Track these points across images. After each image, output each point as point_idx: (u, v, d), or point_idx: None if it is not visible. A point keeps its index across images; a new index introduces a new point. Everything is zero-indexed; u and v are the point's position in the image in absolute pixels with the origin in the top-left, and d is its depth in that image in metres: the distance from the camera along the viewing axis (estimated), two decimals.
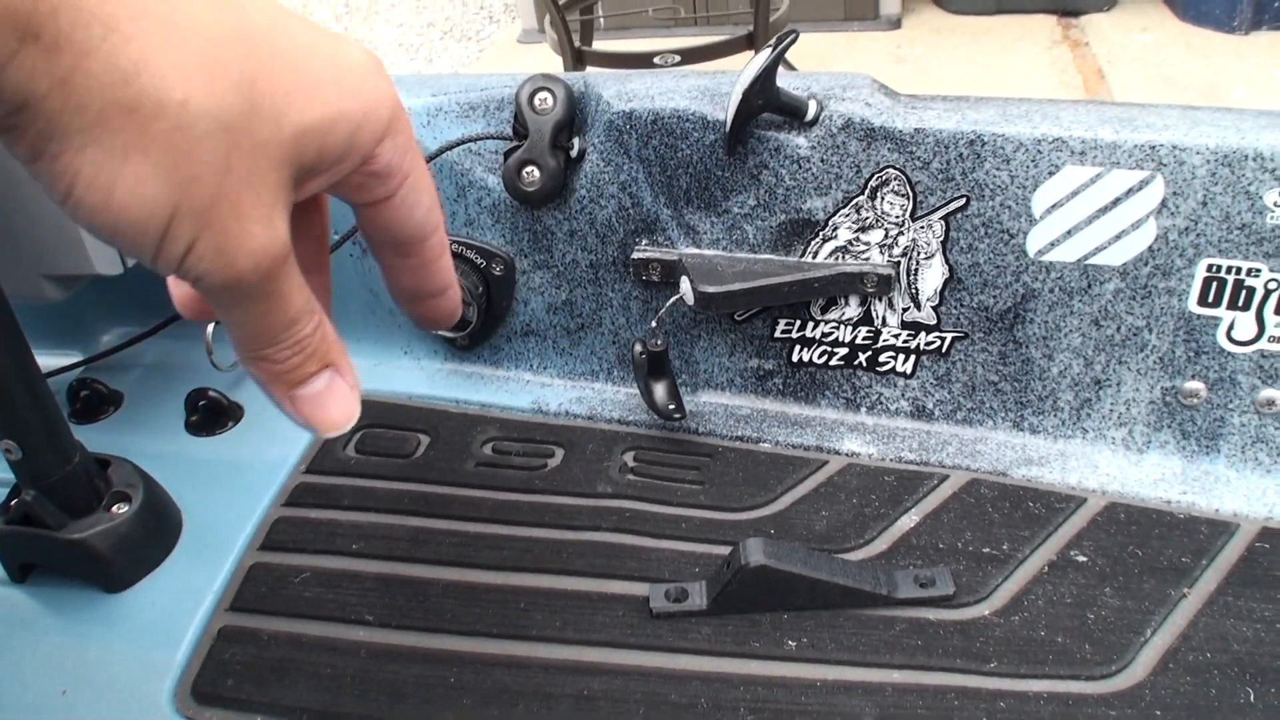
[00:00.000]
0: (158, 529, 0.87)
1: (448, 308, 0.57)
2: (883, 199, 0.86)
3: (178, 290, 0.53)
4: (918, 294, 0.89)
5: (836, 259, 0.90)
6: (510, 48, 5.46)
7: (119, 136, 0.38)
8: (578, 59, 3.29)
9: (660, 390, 0.93)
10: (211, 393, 1.01)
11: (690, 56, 3.19)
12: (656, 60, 3.16)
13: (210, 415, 1.01)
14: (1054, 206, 0.83)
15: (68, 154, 0.38)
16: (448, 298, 0.57)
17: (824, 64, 4.57)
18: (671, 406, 0.93)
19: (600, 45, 3.62)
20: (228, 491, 0.92)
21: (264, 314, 0.45)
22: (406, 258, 0.54)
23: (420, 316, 0.58)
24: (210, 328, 1.03)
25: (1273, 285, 0.82)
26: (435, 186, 0.52)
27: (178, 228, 0.40)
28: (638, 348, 0.92)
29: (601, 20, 4.42)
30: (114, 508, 0.85)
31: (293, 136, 0.42)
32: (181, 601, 0.83)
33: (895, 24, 5.06)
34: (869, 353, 0.93)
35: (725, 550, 0.82)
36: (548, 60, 3.55)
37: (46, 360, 0.99)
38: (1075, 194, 0.82)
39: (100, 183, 0.38)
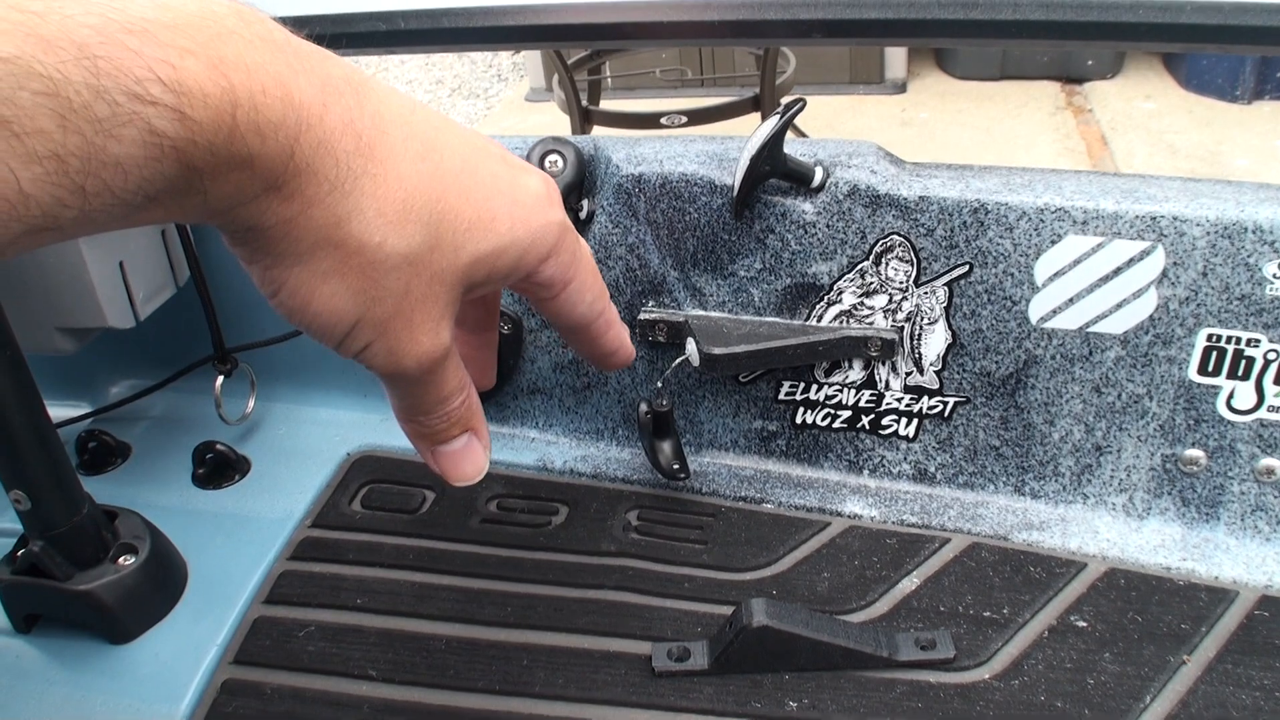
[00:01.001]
0: (163, 581, 0.87)
1: (617, 363, 0.68)
2: (887, 265, 0.88)
3: None
4: (921, 358, 0.90)
5: (841, 323, 0.91)
6: (518, 106, 5.50)
7: (323, 263, 0.47)
8: (585, 118, 3.32)
9: (665, 450, 0.94)
10: (219, 446, 1.01)
11: (697, 118, 3.22)
12: (663, 120, 3.19)
13: (217, 468, 1.01)
14: (1056, 275, 0.84)
15: (279, 269, 0.47)
16: (618, 357, 0.68)
17: (830, 126, 4.61)
18: (676, 466, 0.93)
19: (607, 105, 3.65)
20: (234, 544, 0.93)
21: (421, 394, 0.56)
22: (574, 335, 0.64)
23: (597, 367, 0.72)
24: (219, 381, 1.04)
25: (1272, 355, 0.82)
26: (599, 283, 0.62)
27: (358, 333, 0.50)
28: (643, 408, 0.93)
29: (609, 80, 4.45)
30: (120, 559, 0.85)
31: (468, 263, 0.52)
32: (186, 654, 0.83)
33: (901, 88, 5.10)
34: (872, 416, 0.94)
35: (728, 610, 0.82)
36: (555, 118, 3.58)
37: (56, 411, 1.00)
38: (1077, 263, 0.83)
39: (301, 294, 0.48)
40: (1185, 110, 4.63)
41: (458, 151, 0.52)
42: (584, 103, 3.34)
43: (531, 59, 5.43)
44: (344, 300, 0.48)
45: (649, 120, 3.24)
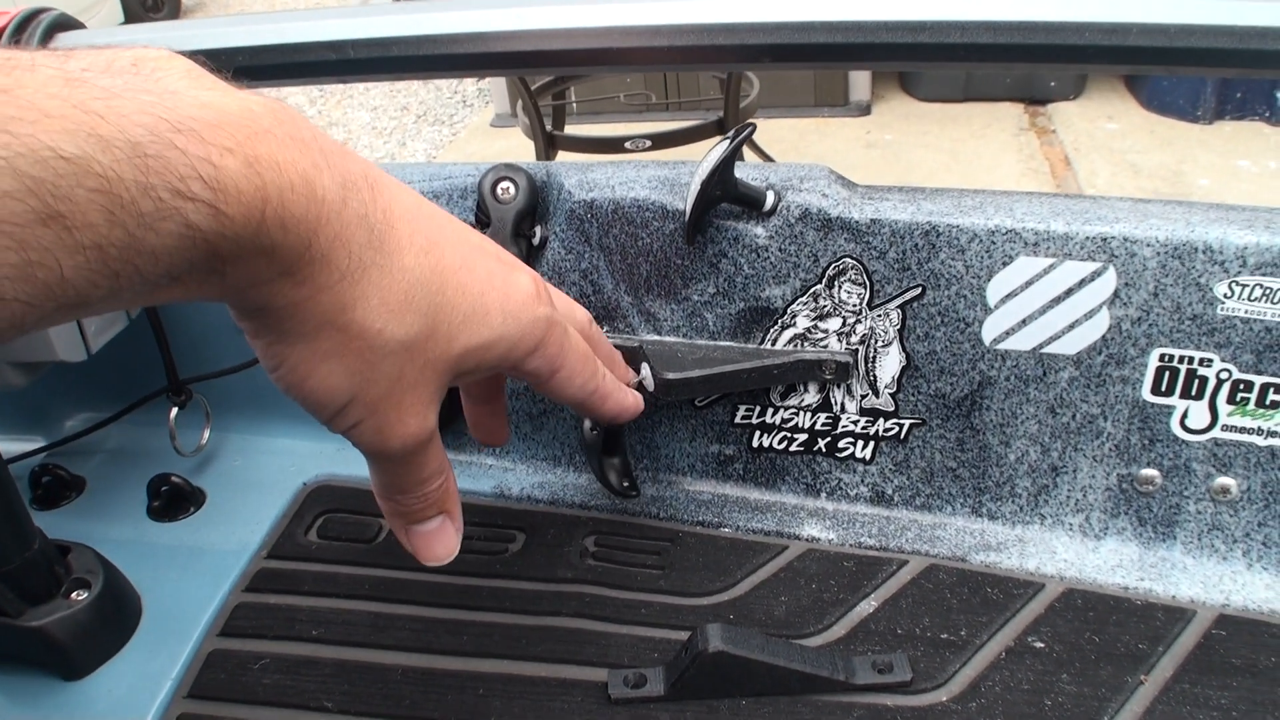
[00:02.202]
0: (117, 616, 0.87)
1: (623, 421, 0.77)
2: (840, 288, 0.88)
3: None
4: (876, 381, 0.90)
5: (795, 346, 0.91)
6: (483, 132, 5.51)
7: (325, 344, 0.51)
8: (550, 143, 3.32)
9: (614, 467, 0.94)
10: (174, 478, 1.01)
11: (661, 141, 3.22)
12: (628, 145, 3.19)
13: (172, 501, 1.00)
14: (1008, 296, 0.85)
15: (282, 345, 0.51)
16: (621, 418, 0.76)
17: (795, 149, 4.62)
18: (625, 484, 0.93)
19: (572, 130, 3.66)
20: (189, 577, 0.92)
21: (403, 474, 0.60)
22: (575, 409, 0.72)
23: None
24: (174, 412, 1.03)
25: (1224, 375, 0.83)
26: (589, 366, 0.68)
27: (350, 411, 0.54)
28: (587, 424, 0.93)
29: (574, 105, 4.46)
30: (73, 594, 0.84)
31: (460, 353, 0.56)
32: (140, 689, 0.82)
33: (865, 110, 5.13)
34: (828, 439, 0.94)
35: (684, 635, 0.82)
36: (520, 144, 3.58)
37: (8, 445, 0.99)
38: (1029, 284, 0.84)
39: (300, 371, 0.52)
40: (1147, 130, 4.67)
41: (458, 249, 0.56)
42: (549, 128, 3.34)
43: (496, 85, 5.44)
44: (340, 380, 0.52)
45: (613, 145, 3.24)
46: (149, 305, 0.45)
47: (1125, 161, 4.39)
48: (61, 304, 0.40)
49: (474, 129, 5.62)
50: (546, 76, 3.44)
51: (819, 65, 0.86)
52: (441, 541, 0.65)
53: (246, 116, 0.44)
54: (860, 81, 5.14)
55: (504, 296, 0.58)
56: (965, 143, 4.72)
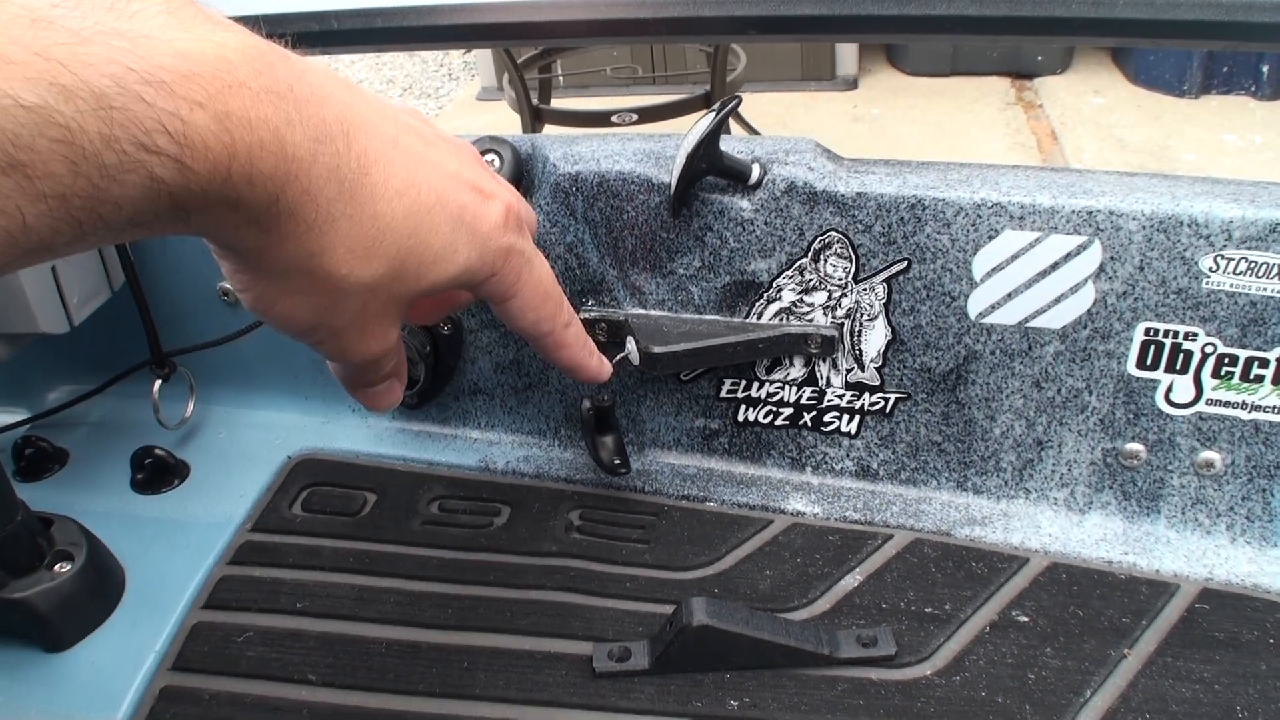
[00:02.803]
0: (100, 588, 0.86)
1: (582, 379, 0.75)
2: (825, 261, 0.87)
3: None
4: (861, 355, 0.90)
5: (781, 320, 0.91)
6: (469, 105, 5.49)
7: (291, 284, 0.52)
8: (536, 117, 3.31)
9: (607, 445, 0.93)
10: (158, 451, 1.00)
11: (648, 115, 3.21)
12: (614, 119, 3.18)
13: (156, 473, 1.00)
14: (994, 270, 0.84)
15: (248, 277, 0.52)
16: (577, 375, 0.75)
17: (782, 123, 4.61)
18: (617, 461, 0.93)
19: (558, 103, 3.64)
20: (172, 550, 0.92)
21: (361, 372, 0.62)
22: (531, 343, 0.71)
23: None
24: (157, 385, 1.03)
25: (1209, 349, 0.83)
26: (549, 307, 0.68)
27: (310, 335, 0.56)
28: (585, 404, 0.93)
29: (560, 78, 4.44)
30: (56, 566, 0.84)
31: (424, 290, 0.57)
32: (123, 661, 0.82)
33: (852, 84, 5.12)
34: (814, 413, 0.94)
35: (669, 609, 0.82)
36: (506, 117, 3.57)
37: None
38: (1015, 258, 0.84)
39: (265, 300, 0.53)
40: (1134, 105, 4.67)
41: (434, 186, 0.56)
42: (535, 101, 3.33)
43: (483, 58, 5.41)
44: (305, 312, 0.54)
45: (600, 118, 3.23)
46: (112, 244, 0.45)
47: (1112, 136, 4.39)
48: (25, 250, 0.40)
49: (460, 103, 5.60)
50: (533, 49, 3.43)
51: (805, 37, 0.86)
52: (388, 397, 0.66)
53: (221, 66, 0.43)
54: (847, 55, 5.12)
55: (472, 231, 0.59)
56: (952, 117, 4.71)
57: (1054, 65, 5.01)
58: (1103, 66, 5.05)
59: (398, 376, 0.66)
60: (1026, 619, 0.81)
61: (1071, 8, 0.80)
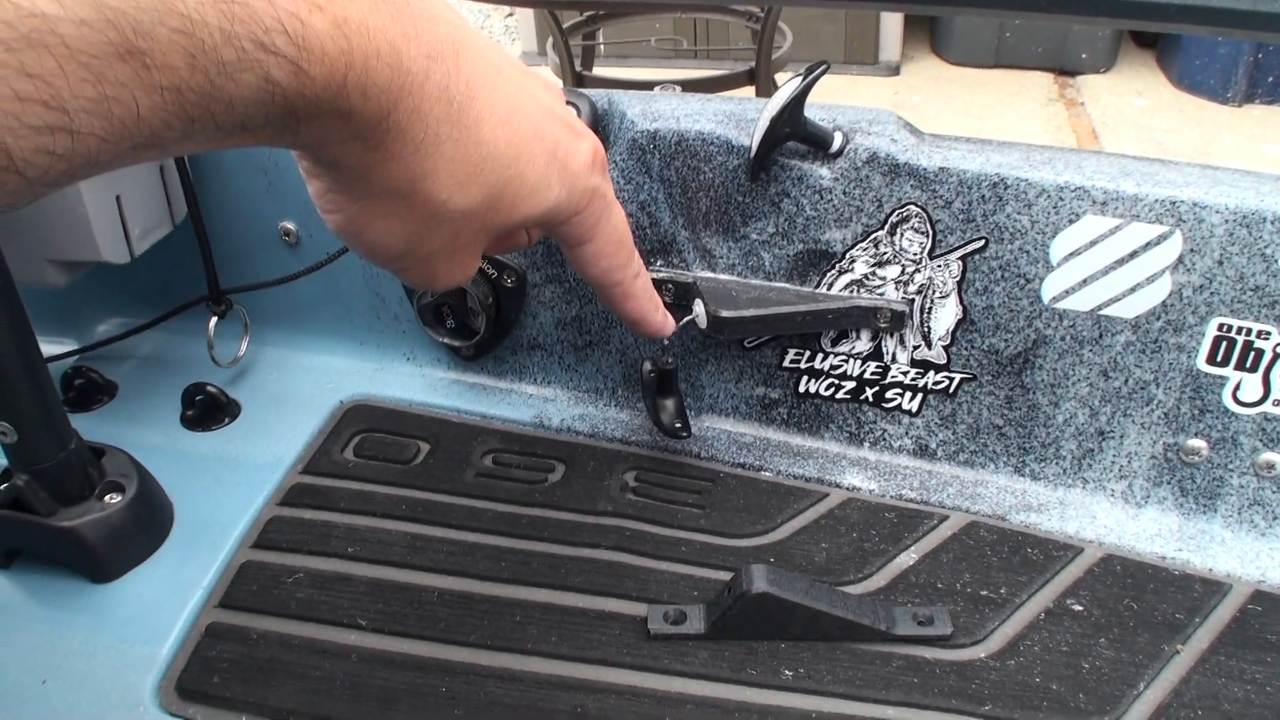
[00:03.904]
0: (149, 521, 0.86)
1: (644, 333, 0.76)
2: (902, 235, 0.86)
3: None
4: (929, 333, 0.89)
5: (851, 292, 0.90)
6: None
7: (387, 206, 0.51)
8: (578, 83, 3.29)
9: (668, 408, 0.93)
10: (210, 387, 1.00)
11: (691, 89, 3.18)
12: (657, 90, 3.16)
13: (207, 410, 1.00)
14: (1072, 254, 0.83)
15: (342, 198, 0.51)
16: (640, 328, 0.75)
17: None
18: (678, 424, 0.92)
19: (600, 72, 3.63)
20: (222, 488, 0.92)
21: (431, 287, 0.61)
22: (599, 293, 0.71)
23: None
24: (213, 322, 1.02)
25: None
26: (622, 255, 0.68)
27: (398, 262, 0.55)
28: (647, 365, 0.92)
29: (602, 47, 4.42)
30: (106, 497, 0.84)
31: (514, 224, 0.57)
32: (170, 596, 0.82)
33: (894, 70, 5.10)
34: (876, 388, 0.93)
35: (724, 575, 0.81)
36: None
37: (43, 346, 0.98)
38: (1094, 243, 0.83)
39: (358, 223, 0.52)
40: (1176, 109, 4.64)
41: (533, 117, 0.56)
42: (577, 68, 3.31)
43: (525, 22, 5.39)
44: (396, 238, 0.53)
45: (643, 89, 3.21)
46: (219, 149, 0.44)
47: (1152, 139, 4.36)
48: (136, 143, 0.39)
49: None
50: (578, 15, 3.41)
51: (847, 4, 0.84)
52: None
53: None
54: (891, 40, 5.10)
55: (563, 168, 0.59)
56: (993, 109, 4.69)
57: (1098, 63, 4.98)
58: (1146, 68, 5.03)
59: None
60: (1081, 608, 0.81)
61: None
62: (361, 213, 0.52)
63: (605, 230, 0.65)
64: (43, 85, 0.35)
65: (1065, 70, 5.02)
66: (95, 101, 0.36)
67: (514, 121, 0.54)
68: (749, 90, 3.21)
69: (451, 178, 0.51)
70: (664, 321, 0.76)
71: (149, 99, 0.38)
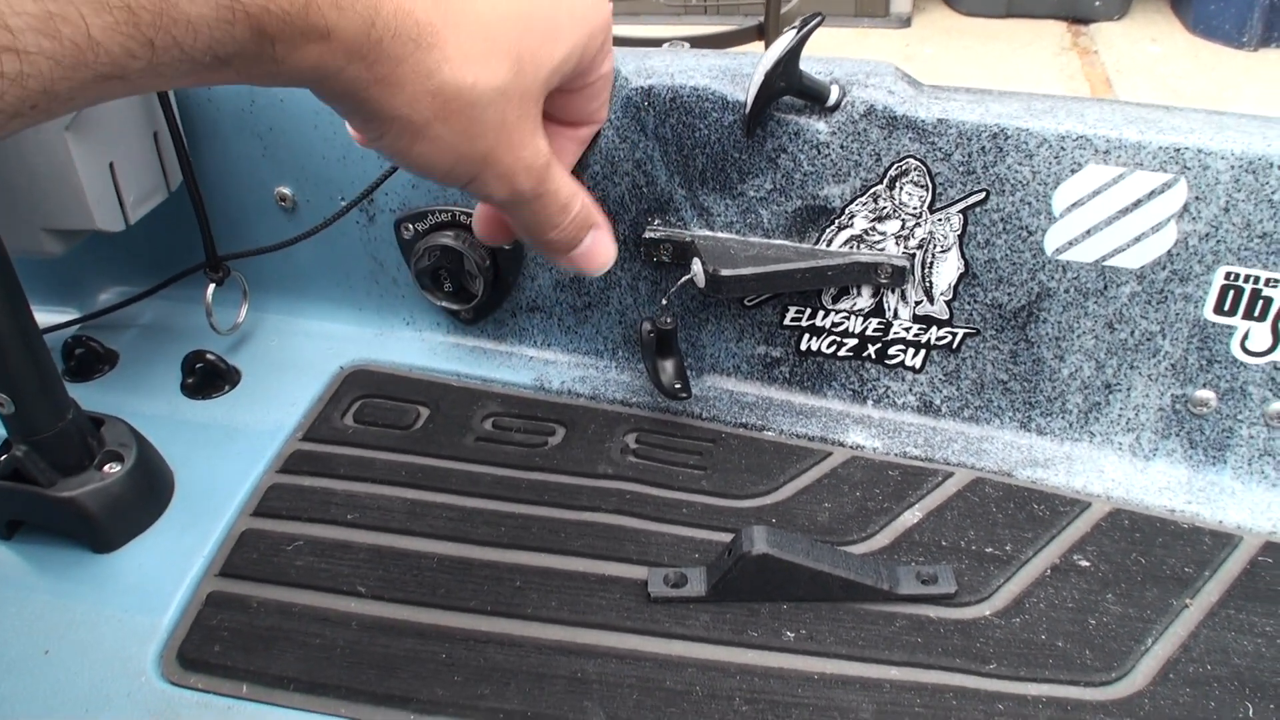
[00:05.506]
0: (149, 490, 0.86)
1: (562, 254, 0.64)
2: (901, 189, 0.85)
3: (477, 216, 0.65)
4: (931, 287, 0.88)
5: (851, 248, 0.89)
6: None
7: (421, 113, 0.48)
8: None
9: (668, 369, 0.92)
10: (209, 355, 0.99)
11: (699, 44, 3.15)
12: (665, 46, 3.14)
13: (207, 378, 0.99)
14: (1074, 205, 0.82)
15: (377, 123, 0.49)
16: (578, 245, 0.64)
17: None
18: (678, 385, 0.92)
19: None
20: (222, 456, 0.91)
21: (543, 210, 0.57)
22: (569, 140, 0.64)
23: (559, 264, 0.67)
24: (210, 289, 1.02)
25: None
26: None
27: (461, 170, 0.52)
28: (646, 326, 0.91)
29: (610, 3, 4.39)
30: (106, 467, 0.83)
31: (546, 77, 0.54)
32: (170, 565, 0.82)
33: (905, 22, 5.05)
34: (878, 345, 0.92)
35: (726, 537, 0.81)
36: None
37: (42, 317, 0.98)
38: (1096, 193, 0.81)
39: (403, 141, 0.50)
40: (1191, 55, 4.59)
41: None
42: None
43: None
44: (445, 144, 0.51)
45: (651, 45, 3.19)
46: (199, 86, 0.42)
47: (1166, 86, 4.32)
48: (97, 73, 0.38)
49: None
50: None
51: None
52: (599, 253, 0.62)
53: None
54: None
55: (570, 10, 0.56)
56: (1006, 59, 4.65)
57: (1111, 10, 4.92)
58: (1160, 14, 4.97)
59: (597, 225, 0.62)
60: (1088, 564, 0.80)
61: None
62: (402, 131, 0.49)
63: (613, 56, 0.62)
64: None
65: (1078, 18, 4.97)
66: (39, 19, 0.35)
67: None
68: (759, 46, 3.19)
69: (468, 59, 0.49)
70: (608, 250, 0.67)
71: (98, 18, 0.36)
